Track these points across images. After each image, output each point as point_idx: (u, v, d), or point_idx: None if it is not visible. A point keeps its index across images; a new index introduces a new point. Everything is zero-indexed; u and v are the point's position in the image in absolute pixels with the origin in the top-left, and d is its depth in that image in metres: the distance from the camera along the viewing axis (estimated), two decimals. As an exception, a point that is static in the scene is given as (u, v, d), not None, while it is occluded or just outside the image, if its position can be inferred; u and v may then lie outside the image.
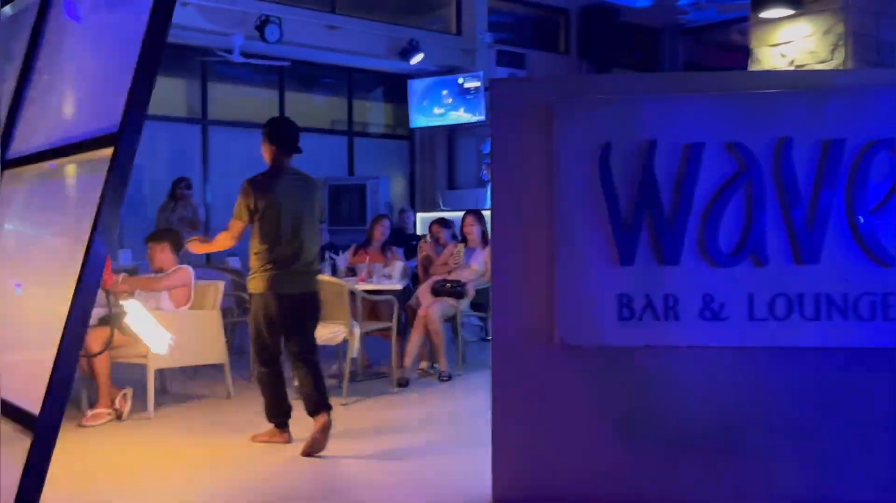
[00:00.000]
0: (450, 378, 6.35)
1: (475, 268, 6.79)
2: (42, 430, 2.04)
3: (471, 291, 6.66)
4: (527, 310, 3.53)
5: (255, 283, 4.55)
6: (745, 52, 7.52)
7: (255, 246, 4.55)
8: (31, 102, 2.67)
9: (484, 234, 6.94)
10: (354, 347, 5.67)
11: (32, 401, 2.09)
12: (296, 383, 4.65)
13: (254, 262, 4.56)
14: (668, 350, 3.47)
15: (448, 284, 6.58)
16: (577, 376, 3.52)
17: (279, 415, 4.65)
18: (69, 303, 2.06)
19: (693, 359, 3.48)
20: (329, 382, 6.18)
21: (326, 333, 5.72)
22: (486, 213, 7.05)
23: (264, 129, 4.67)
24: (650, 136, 3.38)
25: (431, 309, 6.40)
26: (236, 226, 4.61)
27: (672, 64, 13.79)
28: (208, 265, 8.37)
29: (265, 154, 4.65)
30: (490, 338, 3.81)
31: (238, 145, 10.94)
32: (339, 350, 6.16)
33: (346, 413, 5.36)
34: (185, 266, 5.71)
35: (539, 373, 3.54)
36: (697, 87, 3.61)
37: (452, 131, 12.62)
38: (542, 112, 3.46)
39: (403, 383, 6.11)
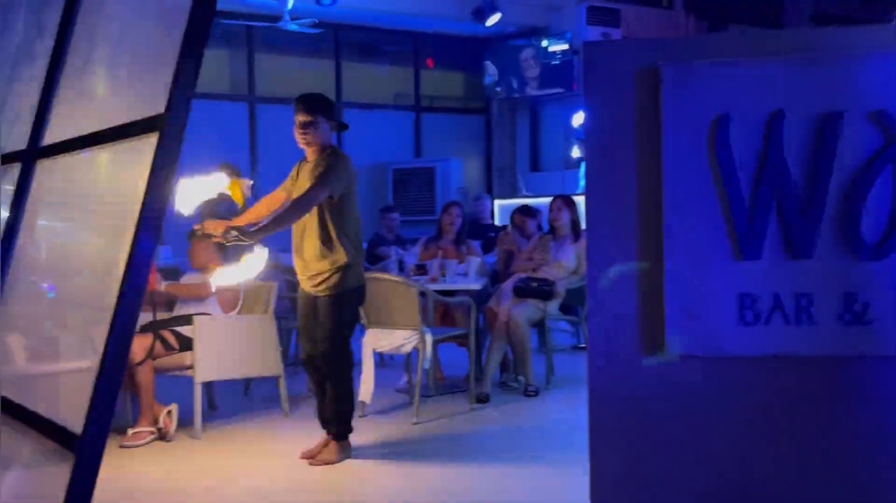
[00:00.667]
0: (536, 393, 6.34)
1: (565, 263, 6.76)
2: (85, 451, 2.11)
3: (560, 291, 6.63)
4: (629, 314, 3.49)
5: (358, 276, 4.75)
6: (888, 2, 7.30)
7: (350, 233, 4.67)
8: (66, 83, 2.76)
9: (575, 223, 6.89)
10: (426, 357, 5.71)
11: (73, 419, 2.16)
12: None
13: (348, 252, 4.64)
14: (799, 360, 3.39)
15: (533, 283, 6.57)
16: (689, 390, 3.46)
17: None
18: (113, 307, 2.12)
19: (830, 370, 3.40)
20: (398, 397, 6.27)
21: (394, 342, 5.77)
22: (578, 199, 7.05)
23: (322, 106, 4.80)
24: (777, 106, 3.31)
25: (514, 312, 6.40)
26: (320, 199, 4.54)
27: (798, 18, 13.45)
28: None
29: (319, 133, 4.73)
30: (583, 345, 3.80)
31: (290, 124, 11.15)
32: (409, 361, 6.21)
33: (417, 432, 5.41)
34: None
35: (644, 386, 3.49)
36: (832, 46, 3.52)
37: (536, 104, 12.58)
38: (647, 79, 3.41)
39: (483, 398, 6.13)
